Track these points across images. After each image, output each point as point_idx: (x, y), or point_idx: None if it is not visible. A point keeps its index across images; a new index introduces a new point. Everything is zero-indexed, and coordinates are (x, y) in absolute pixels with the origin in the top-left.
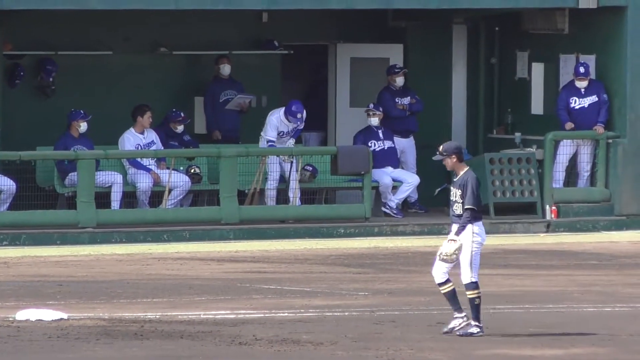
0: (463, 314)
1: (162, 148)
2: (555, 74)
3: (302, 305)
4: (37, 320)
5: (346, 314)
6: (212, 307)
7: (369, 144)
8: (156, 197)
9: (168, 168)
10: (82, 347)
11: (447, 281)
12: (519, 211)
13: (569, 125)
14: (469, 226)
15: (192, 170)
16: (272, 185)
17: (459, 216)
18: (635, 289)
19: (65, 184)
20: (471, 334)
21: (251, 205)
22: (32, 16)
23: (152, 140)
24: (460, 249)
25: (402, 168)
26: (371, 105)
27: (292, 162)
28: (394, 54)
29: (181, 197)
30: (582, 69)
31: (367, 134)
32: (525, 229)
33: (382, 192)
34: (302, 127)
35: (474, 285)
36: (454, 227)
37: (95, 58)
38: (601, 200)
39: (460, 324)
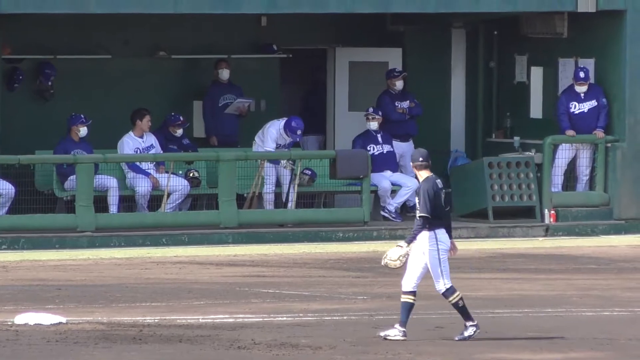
0: (403, 329)
1: (161, 152)
2: (554, 78)
3: (300, 309)
4: (35, 324)
5: (345, 318)
6: (210, 311)
7: (368, 148)
8: (155, 201)
9: (167, 172)
10: (80, 351)
11: (413, 292)
12: (517, 215)
13: (570, 132)
14: (428, 234)
15: (191, 174)
16: (269, 189)
17: None
18: (634, 293)
19: (65, 187)
20: (469, 337)
21: (250, 209)
22: (30, 20)
23: (151, 144)
24: (405, 256)
25: (402, 172)
26: (370, 110)
27: (292, 169)
28: (393, 58)
29: (180, 201)
30: (582, 74)
31: (366, 138)
32: (524, 233)
33: (380, 196)
34: (300, 140)
35: (451, 291)
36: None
37: (94, 62)
38: (600, 204)
39: (395, 335)
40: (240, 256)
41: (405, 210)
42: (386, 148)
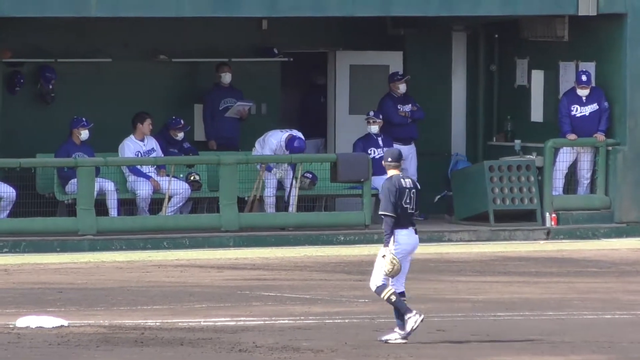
0: (403, 332)
1: (162, 155)
2: (555, 82)
3: (302, 312)
4: (37, 327)
5: (346, 321)
6: (212, 314)
7: (369, 152)
8: (156, 205)
9: (168, 175)
10: (82, 354)
11: (402, 294)
12: (518, 218)
13: (572, 136)
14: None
15: (192, 178)
16: (270, 192)
17: None
18: (635, 296)
19: (66, 190)
20: (410, 331)
21: (251, 213)
22: (31, 23)
23: (152, 148)
24: (394, 256)
25: None
26: (371, 113)
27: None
28: (394, 61)
29: (181, 204)
30: (584, 77)
31: (367, 141)
32: (525, 236)
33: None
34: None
35: (382, 287)
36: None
37: (94, 65)
38: (601, 207)
39: (396, 338)
40: (241, 259)
41: None
42: None
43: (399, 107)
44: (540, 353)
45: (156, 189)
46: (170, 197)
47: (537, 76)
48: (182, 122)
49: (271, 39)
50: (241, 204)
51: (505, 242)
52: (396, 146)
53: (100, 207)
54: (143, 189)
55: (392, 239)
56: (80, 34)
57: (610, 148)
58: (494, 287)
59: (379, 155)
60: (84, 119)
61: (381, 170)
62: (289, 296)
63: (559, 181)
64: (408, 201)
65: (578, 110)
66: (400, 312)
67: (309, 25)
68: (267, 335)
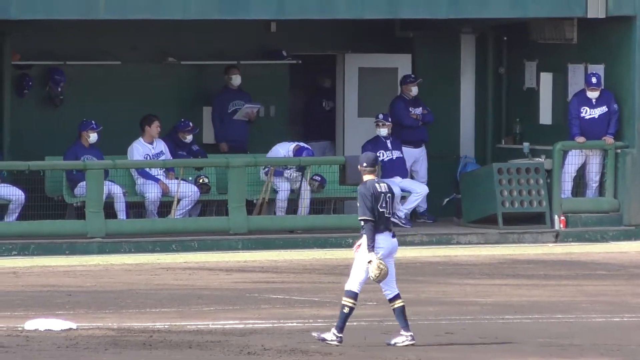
0: (409, 334)
1: (171, 158)
2: (564, 84)
3: (310, 315)
4: (46, 330)
5: (354, 324)
6: (220, 317)
7: (378, 154)
8: (165, 207)
9: (177, 178)
10: (90, 357)
11: (397, 296)
12: (527, 221)
13: (581, 139)
14: (364, 236)
15: (201, 180)
16: (283, 196)
17: None
18: None
19: (75, 193)
20: (323, 339)
21: (259, 215)
22: (40, 26)
23: (161, 151)
24: (380, 262)
25: (414, 178)
26: (380, 116)
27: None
28: (402, 64)
29: (190, 207)
30: (594, 79)
31: (376, 144)
32: (533, 239)
33: None
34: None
35: (352, 295)
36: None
37: (103, 68)
38: (610, 210)
39: (403, 341)
40: (250, 262)
41: (415, 216)
42: (396, 154)
43: (410, 110)
44: (549, 356)
45: (165, 192)
46: (179, 200)
47: (546, 79)
48: (190, 124)
49: (280, 41)
50: (250, 206)
51: (514, 244)
52: (406, 149)
53: (109, 209)
54: (152, 192)
55: (372, 242)
56: (88, 36)
57: (619, 151)
58: (503, 289)
59: (388, 158)
60: (93, 122)
61: (390, 173)
62: (297, 299)
63: (567, 184)
64: (384, 205)
65: (587, 113)
66: (341, 324)
67: (318, 27)
68: (275, 338)
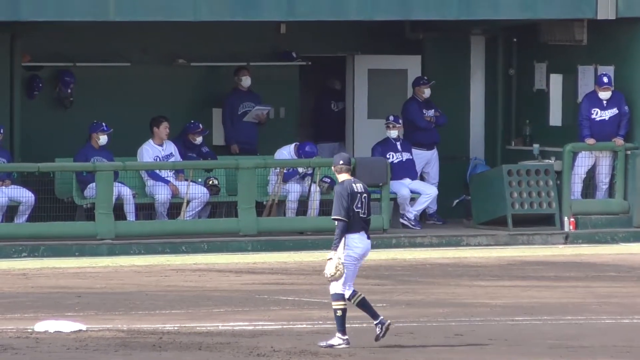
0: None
1: (181, 160)
2: (574, 86)
3: (320, 316)
4: (55, 331)
5: (364, 325)
6: (230, 318)
7: (387, 156)
8: (174, 209)
9: (186, 180)
10: (100, 359)
11: (354, 293)
12: (537, 223)
13: (591, 141)
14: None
15: (211, 182)
16: (293, 197)
17: None
18: None
19: (85, 195)
20: (331, 346)
21: (269, 217)
22: (50, 28)
23: (171, 152)
24: (340, 263)
25: (425, 179)
26: (391, 118)
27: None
28: (412, 65)
29: (199, 208)
30: (605, 79)
31: (385, 145)
32: (543, 240)
33: (400, 203)
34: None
35: (339, 297)
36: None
37: (113, 70)
38: (619, 212)
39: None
40: (259, 264)
41: (425, 218)
42: (405, 156)
43: (423, 112)
44: (559, 357)
45: (175, 194)
46: (188, 202)
47: (556, 80)
48: (200, 126)
49: (290, 43)
50: (259, 208)
51: (523, 246)
52: (419, 151)
53: (119, 211)
54: (161, 194)
55: (342, 243)
56: (99, 38)
57: (628, 152)
58: (512, 291)
59: (398, 160)
60: (103, 124)
61: (400, 175)
62: (307, 300)
63: (577, 185)
64: (360, 205)
65: (598, 114)
66: (341, 327)
67: (328, 29)
68: (285, 340)
